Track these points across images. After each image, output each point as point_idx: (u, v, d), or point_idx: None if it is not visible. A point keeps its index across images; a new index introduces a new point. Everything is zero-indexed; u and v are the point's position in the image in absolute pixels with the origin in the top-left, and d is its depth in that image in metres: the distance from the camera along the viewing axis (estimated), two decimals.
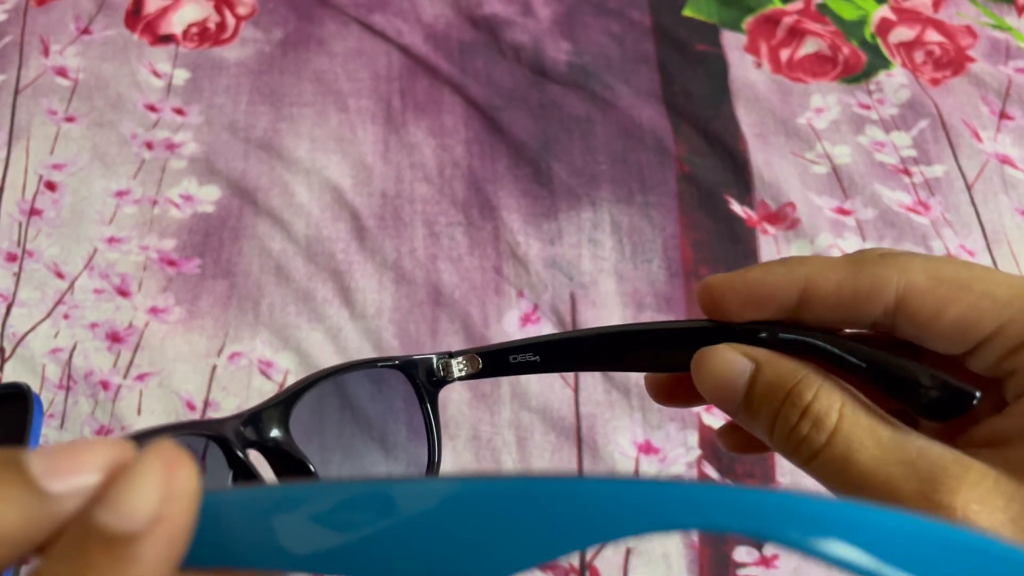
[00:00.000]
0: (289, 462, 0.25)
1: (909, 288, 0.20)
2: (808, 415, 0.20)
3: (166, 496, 0.13)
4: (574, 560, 0.47)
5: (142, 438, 0.23)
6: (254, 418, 0.24)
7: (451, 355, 0.26)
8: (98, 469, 0.13)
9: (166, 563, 0.13)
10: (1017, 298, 0.20)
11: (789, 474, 0.50)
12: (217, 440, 0.24)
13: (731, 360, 0.22)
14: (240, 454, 0.24)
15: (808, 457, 0.20)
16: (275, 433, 0.24)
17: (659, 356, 0.23)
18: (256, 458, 0.24)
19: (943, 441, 0.20)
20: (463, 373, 0.26)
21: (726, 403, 0.22)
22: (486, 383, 0.52)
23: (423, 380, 0.27)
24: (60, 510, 0.13)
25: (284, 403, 0.25)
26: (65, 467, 0.13)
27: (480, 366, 0.26)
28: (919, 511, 0.18)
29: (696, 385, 0.23)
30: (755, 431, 0.22)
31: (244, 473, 0.24)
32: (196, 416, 0.51)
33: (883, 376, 0.20)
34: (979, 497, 0.18)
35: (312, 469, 0.25)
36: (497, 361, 0.26)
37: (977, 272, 0.20)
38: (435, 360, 0.27)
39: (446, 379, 0.27)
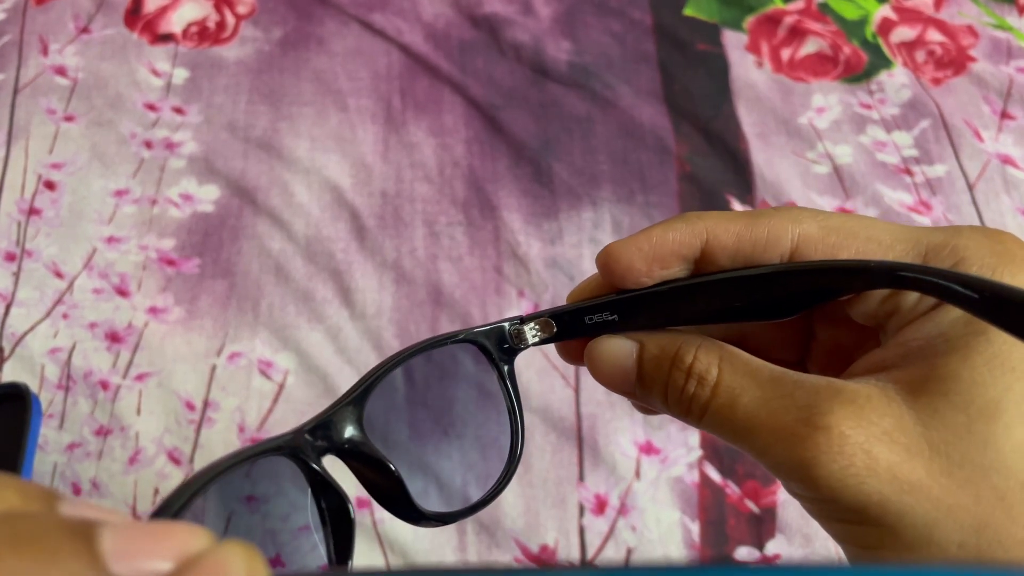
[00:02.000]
0: (368, 463, 0.24)
1: (803, 237, 0.21)
2: (692, 374, 0.22)
3: None
4: (575, 560, 0.47)
5: (209, 481, 0.21)
6: (324, 424, 0.23)
7: (522, 320, 0.25)
8: (172, 558, 0.12)
9: None
10: (899, 241, 0.21)
11: None
12: (290, 455, 0.23)
13: (617, 345, 0.23)
14: (316, 466, 0.23)
15: (699, 413, 0.22)
16: (348, 435, 0.23)
17: (747, 306, 0.22)
18: (332, 464, 0.23)
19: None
20: (536, 339, 0.25)
21: (623, 387, 0.24)
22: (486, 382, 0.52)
23: (495, 351, 0.26)
24: None
25: (353, 403, 0.23)
26: (137, 550, 0.12)
27: (554, 330, 0.25)
28: (801, 438, 0.19)
29: (594, 377, 0.24)
30: (654, 405, 0.23)
31: (322, 485, 0.23)
32: (196, 416, 0.51)
33: (1000, 305, 0.19)
34: (853, 414, 0.19)
35: (392, 468, 0.24)
36: (572, 323, 0.24)
37: (864, 221, 0.22)
38: (507, 327, 0.25)
39: (519, 346, 0.25)
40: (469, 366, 0.27)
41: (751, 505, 0.49)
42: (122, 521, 0.13)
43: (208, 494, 0.21)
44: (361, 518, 0.48)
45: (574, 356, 0.26)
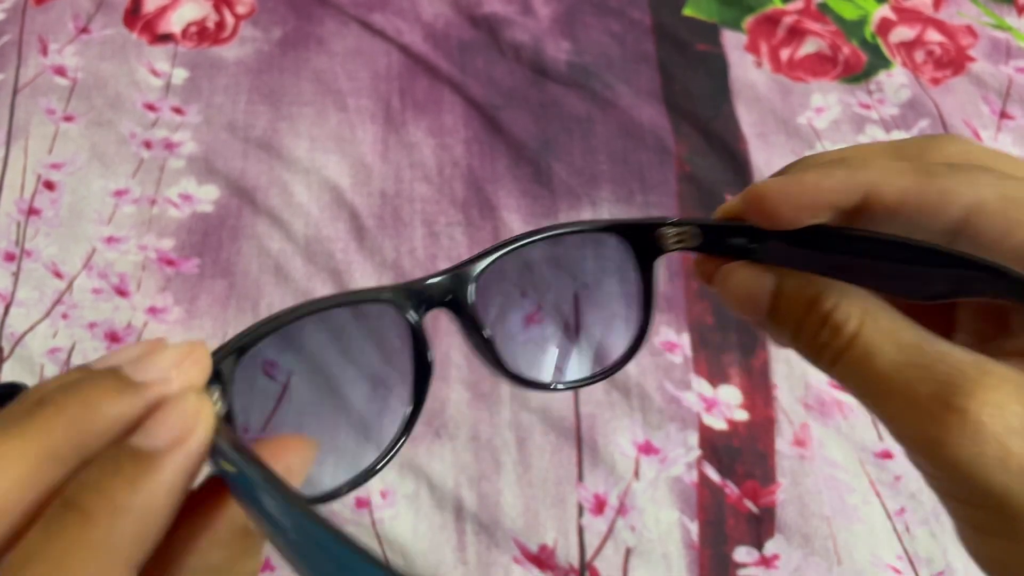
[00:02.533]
0: (470, 327, 0.25)
1: (979, 206, 0.19)
2: (828, 323, 0.21)
3: (186, 428, 0.17)
4: (574, 560, 0.47)
5: (308, 313, 0.23)
6: (435, 282, 0.24)
7: (669, 223, 0.25)
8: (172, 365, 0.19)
9: (181, 475, 0.17)
10: None
11: (789, 475, 0.50)
12: (395, 304, 0.24)
13: (754, 275, 0.22)
14: (414, 316, 0.24)
15: (830, 361, 0.21)
16: (458, 295, 0.24)
17: (888, 276, 0.21)
18: (434, 322, 0.24)
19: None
20: (679, 246, 0.25)
21: (752, 315, 0.23)
22: (485, 382, 0.52)
23: (641, 247, 0.25)
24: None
25: (473, 264, 0.24)
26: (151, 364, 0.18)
27: (698, 242, 0.24)
28: (933, 416, 0.18)
29: (723, 300, 0.23)
30: (780, 339, 0.23)
31: (418, 339, 0.24)
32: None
33: None
34: (996, 400, 0.18)
35: (488, 336, 0.24)
36: (716, 239, 0.24)
37: None
38: (652, 226, 0.25)
39: (662, 248, 0.25)
40: (603, 256, 0.27)
41: (750, 505, 0.49)
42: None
43: (303, 327, 0.23)
44: (360, 518, 0.48)
45: (708, 274, 0.24)
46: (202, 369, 0.19)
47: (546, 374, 0.27)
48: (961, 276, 0.19)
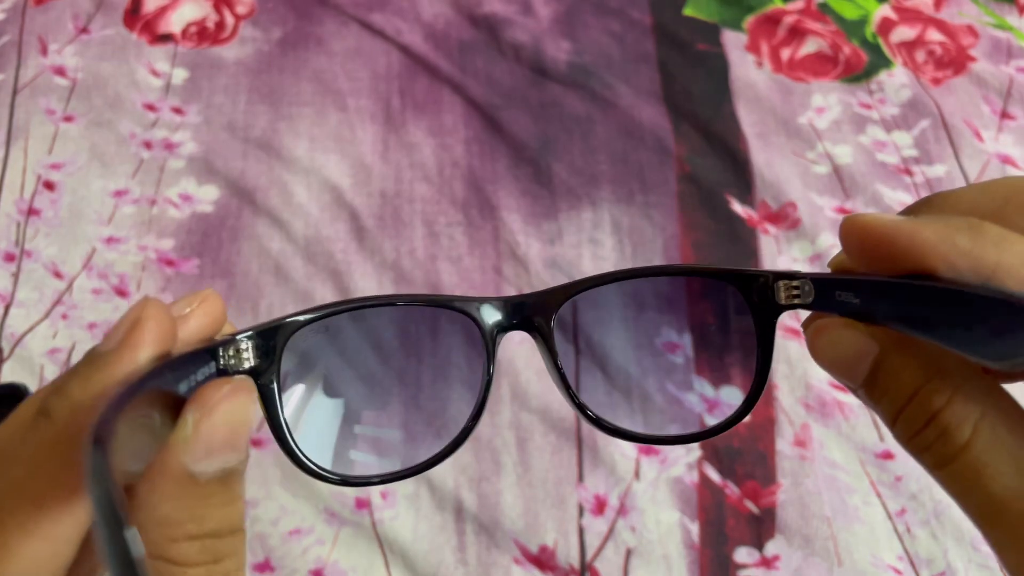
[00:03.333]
0: (547, 353, 0.25)
1: None
2: (936, 424, 0.17)
3: (136, 333, 0.18)
4: (574, 561, 0.47)
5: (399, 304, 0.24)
6: (522, 303, 0.25)
7: (790, 275, 0.23)
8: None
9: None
10: None
11: (790, 475, 0.50)
12: (475, 319, 0.25)
13: (854, 340, 0.19)
14: (492, 337, 0.25)
15: (933, 465, 0.18)
16: (537, 323, 0.25)
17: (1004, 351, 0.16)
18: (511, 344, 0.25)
19: None
20: (795, 301, 0.23)
21: (844, 380, 0.20)
22: None
23: (757, 300, 0.24)
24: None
25: (555, 294, 0.25)
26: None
27: (811, 299, 0.22)
28: None
29: (814, 358, 0.21)
30: (877, 413, 0.20)
31: (489, 355, 0.25)
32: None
33: None
34: None
35: (559, 366, 0.25)
36: (826, 295, 0.22)
37: None
38: (770, 279, 0.23)
39: (782, 304, 0.23)
40: (714, 303, 0.26)
41: (751, 506, 0.49)
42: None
43: (390, 315, 0.24)
44: (360, 519, 0.48)
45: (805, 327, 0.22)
46: (215, 309, 0.20)
47: (629, 421, 0.27)
48: None
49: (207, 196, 0.60)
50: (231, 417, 0.17)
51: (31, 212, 0.58)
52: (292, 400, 0.23)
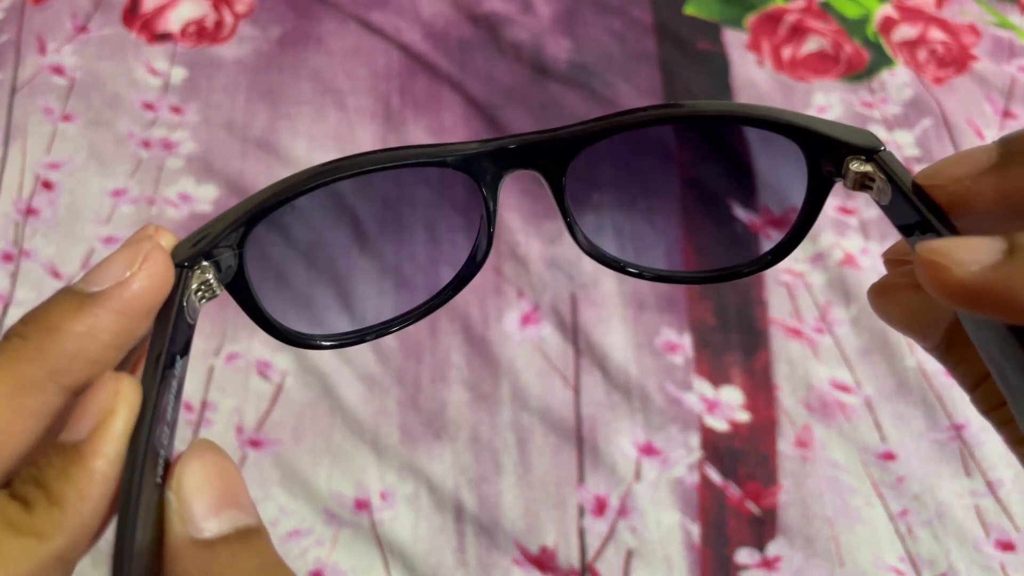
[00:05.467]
0: (557, 191, 0.23)
1: None
2: None
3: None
4: (574, 562, 0.47)
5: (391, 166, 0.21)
6: (536, 144, 0.22)
7: (876, 149, 0.20)
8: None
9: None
10: None
11: (791, 476, 0.50)
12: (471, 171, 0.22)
13: (923, 306, 0.18)
14: (490, 186, 0.22)
15: (1011, 442, 0.17)
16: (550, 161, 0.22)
17: None
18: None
19: None
20: (867, 189, 0.20)
21: (919, 341, 0.19)
22: (485, 383, 0.52)
23: (817, 167, 0.21)
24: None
25: (576, 133, 0.22)
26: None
27: (888, 200, 0.20)
28: None
29: (879, 314, 0.19)
30: (951, 375, 0.18)
31: (488, 203, 0.22)
32: (194, 417, 0.51)
33: None
34: None
35: (569, 211, 0.22)
36: (904, 216, 0.19)
37: None
38: (843, 152, 0.21)
39: (839, 173, 0.21)
40: (773, 156, 0.24)
41: (752, 507, 0.49)
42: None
43: (381, 178, 0.21)
44: (359, 519, 0.48)
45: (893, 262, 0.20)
46: (160, 259, 0.19)
47: (649, 259, 0.26)
48: None
49: (206, 195, 0.60)
50: (207, 473, 0.16)
51: (29, 212, 0.58)
52: (269, 290, 0.21)
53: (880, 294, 0.19)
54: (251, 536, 0.16)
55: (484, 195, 0.22)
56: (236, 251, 0.20)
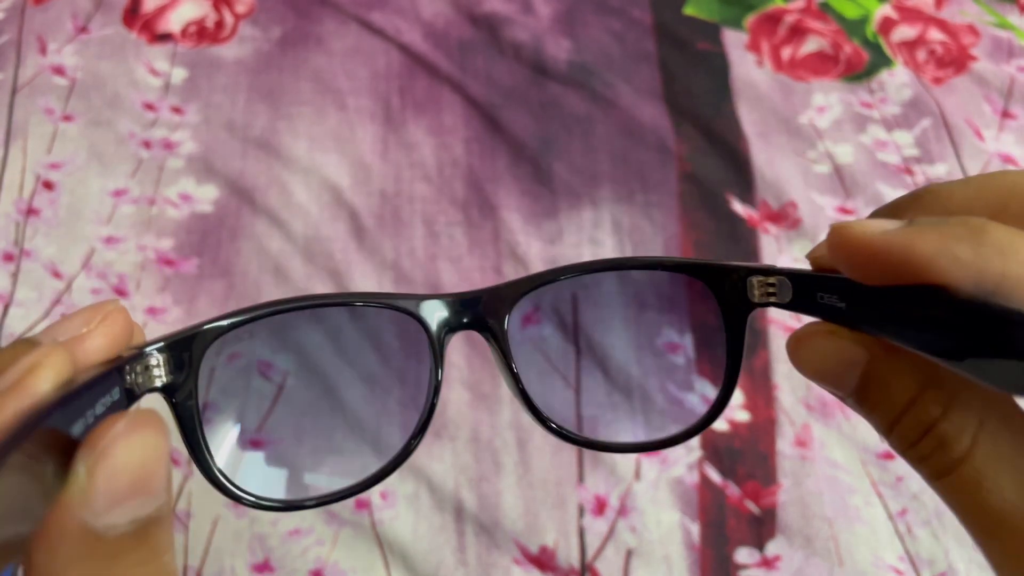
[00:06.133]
0: (502, 354, 0.23)
1: None
2: (934, 435, 0.17)
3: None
4: (574, 561, 0.47)
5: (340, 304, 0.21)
6: (475, 299, 0.22)
7: (763, 271, 0.22)
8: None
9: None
10: None
11: (790, 475, 0.50)
12: (418, 319, 0.22)
13: (840, 348, 0.18)
14: (439, 339, 0.22)
15: (930, 477, 0.17)
16: (490, 323, 0.22)
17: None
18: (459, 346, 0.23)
19: None
20: (769, 300, 0.22)
21: (831, 390, 0.19)
22: (485, 383, 0.52)
23: (729, 296, 0.23)
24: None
25: (512, 289, 0.22)
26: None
27: (788, 298, 0.21)
28: None
29: (796, 367, 0.20)
30: (869, 422, 0.19)
31: (436, 357, 0.22)
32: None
33: None
34: None
35: (515, 369, 0.22)
36: (806, 296, 0.21)
37: None
38: (742, 275, 0.22)
39: (754, 302, 0.22)
40: (676, 300, 0.24)
41: (751, 506, 0.49)
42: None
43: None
44: (360, 519, 0.48)
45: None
46: (116, 326, 0.18)
47: (591, 429, 0.26)
48: None
49: (206, 196, 0.60)
50: (133, 458, 0.14)
51: (30, 212, 0.58)
52: (214, 418, 0.21)
53: (798, 343, 0.20)
54: (148, 531, 0.15)
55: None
56: (178, 362, 0.19)
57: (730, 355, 0.24)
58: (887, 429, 0.18)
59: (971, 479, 0.16)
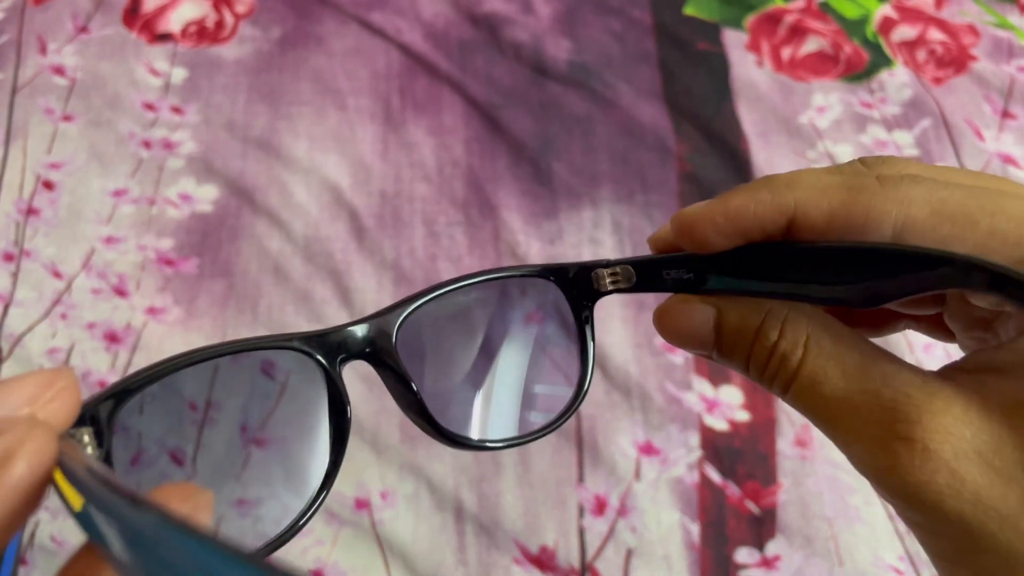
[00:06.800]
0: (392, 375, 0.23)
1: (908, 223, 0.18)
2: (776, 354, 0.20)
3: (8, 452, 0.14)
4: (574, 561, 0.47)
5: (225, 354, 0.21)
6: (357, 330, 0.23)
7: (604, 264, 0.24)
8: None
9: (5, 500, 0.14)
10: None
11: (790, 475, 0.50)
12: (310, 355, 0.22)
13: (691, 310, 0.22)
14: (334, 369, 0.22)
15: (782, 390, 0.20)
16: (378, 346, 0.22)
17: (826, 287, 0.20)
18: (353, 373, 0.23)
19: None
20: (614, 287, 0.24)
21: (698, 351, 0.22)
22: None
23: (575, 291, 0.25)
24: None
25: (395, 313, 0.23)
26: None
27: (633, 281, 0.23)
28: (881, 443, 0.18)
29: (664, 338, 0.23)
30: (735, 369, 0.22)
31: (336, 393, 0.22)
32: (198, 416, 0.51)
33: None
34: (943, 426, 0.17)
35: (414, 387, 0.23)
36: (651, 276, 0.23)
37: (986, 202, 0.18)
38: (588, 269, 0.24)
39: (600, 291, 0.24)
40: (542, 302, 0.26)
41: (751, 506, 0.49)
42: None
43: (218, 368, 0.22)
44: (359, 519, 0.48)
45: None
46: (66, 404, 0.17)
47: (477, 430, 0.26)
48: (894, 272, 0.18)
49: (206, 196, 0.60)
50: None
51: (30, 212, 0.58)
52: (130, 480, 0.20)
53: (661, 316, 0.22)
54: None
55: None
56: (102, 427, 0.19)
57: (581, 344, 0.26)
58: (745, 365, 0.21)
59: (808, 379, 0.19)
